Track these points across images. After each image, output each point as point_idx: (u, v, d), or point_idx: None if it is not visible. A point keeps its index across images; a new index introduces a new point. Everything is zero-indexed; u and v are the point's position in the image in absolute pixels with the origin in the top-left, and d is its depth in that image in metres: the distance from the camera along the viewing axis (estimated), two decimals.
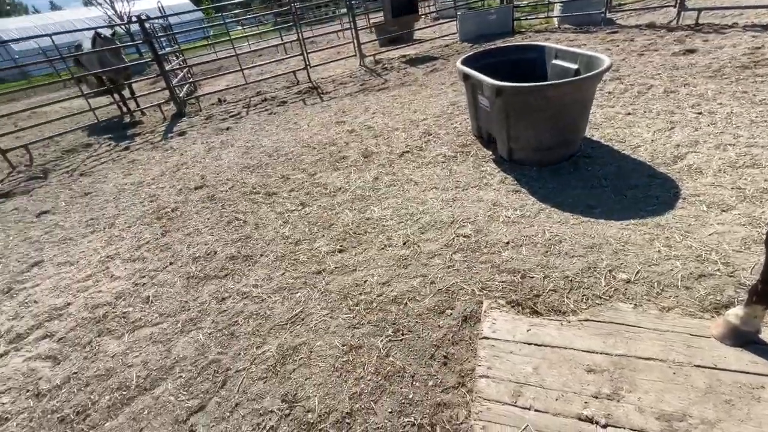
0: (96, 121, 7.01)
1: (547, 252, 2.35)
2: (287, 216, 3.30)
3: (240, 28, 20.70)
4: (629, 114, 3.92)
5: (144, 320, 2.43)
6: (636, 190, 2.79)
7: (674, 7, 7.53)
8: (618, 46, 6.51)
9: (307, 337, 2.08)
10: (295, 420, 1.69)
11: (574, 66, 3.39)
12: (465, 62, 3.81)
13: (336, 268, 2.57)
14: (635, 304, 1.87)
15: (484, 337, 1.71)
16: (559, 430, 1.34)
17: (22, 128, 6.59)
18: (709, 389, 1.39)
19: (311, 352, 1.99)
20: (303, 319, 2.21)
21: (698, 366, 1.46)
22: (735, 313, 1.53)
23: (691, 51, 5.53)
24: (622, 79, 4.85)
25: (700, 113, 3.66)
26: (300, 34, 8.37)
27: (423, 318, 2.06)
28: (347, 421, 1.65)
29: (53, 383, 2.10)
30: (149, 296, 2.63)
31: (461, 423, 1.55)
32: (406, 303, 2.18)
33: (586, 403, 1.41)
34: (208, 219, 3.49)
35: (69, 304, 2.71)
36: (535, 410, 1.41)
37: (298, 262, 2.69)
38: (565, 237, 2.44)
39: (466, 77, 3.60)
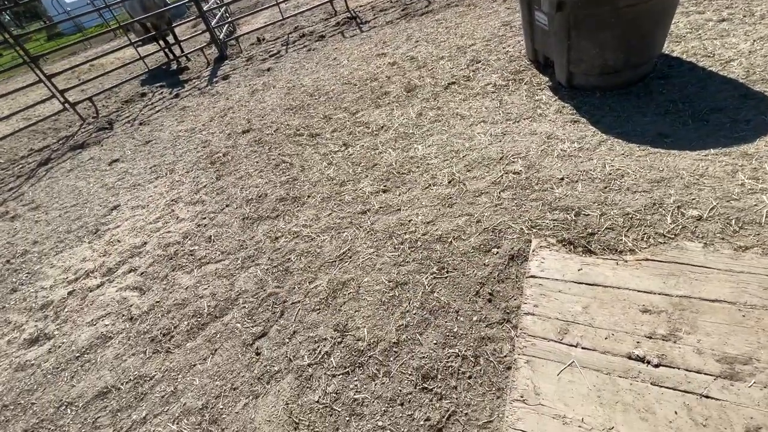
0: (147, 69, 7.23)
1: (606, 188, 2.17)
2: (331, 157, 3.31)
3: None
4: (723, 20, 3.28)
5: (209, 257, 2.67)
6: (721, 113, 2.41)
7: None
8: None
9: (354, 274, 2.18)
10: (346, 347, 1.83)
11: None
12: None
13: (380, 208, 2.59)
14: (705, 243, 1.71)
15: (532, 276, 1.68)
16: (606, 367, 1.33)
17: (84, 81, 7.00)
18: None
19: (359, 287, 2.10)
20: (350, 257, 2.30)
21: None
22: None
23: None
24: None
25: None
26: None
27: (468, 256, 2.06)
28: (394, 350, 1.76)
29: (142, 309, 2.43)
30: (211, 236, 2.86)
31: (505, 356, 1.59)
32: (451, 242, 2.17)
33: (638, 342, 1.36)
34: (257, 162, 3.60)
35: (145, 243, 3.03)
36: (582, 348, 1.40)
37: (343, 203, 2.74)
38: (629, 171, 2.23)
39: None
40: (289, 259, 2.43)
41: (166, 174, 3.94)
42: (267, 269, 2.41)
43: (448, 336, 1.74)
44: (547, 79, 3.33)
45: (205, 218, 3.07)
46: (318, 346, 1.88)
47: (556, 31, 2.85)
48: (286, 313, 2.10)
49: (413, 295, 1.96)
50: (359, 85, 4.41)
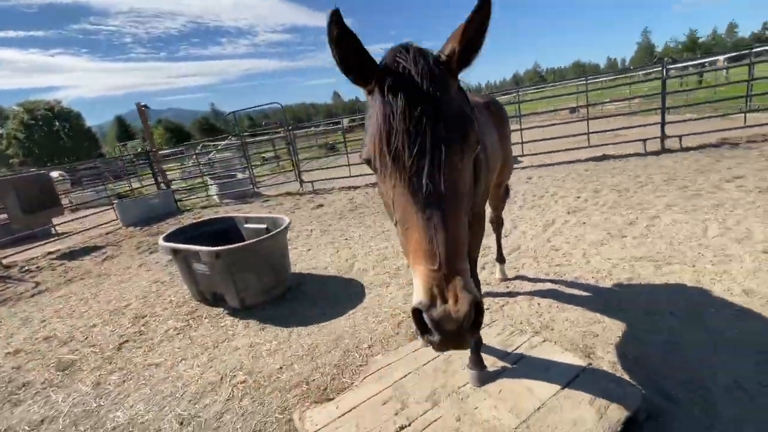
0: None
1: (311, 357, 2.93)
2: None
3: None
4: (310, 249, 5.41)
5: None
6: (339, 294, 3.95)
7: (296, 180, 10.92)
8: (275, 208, 8.62)
9: None
10: None
11: (264, 225, 4.47)
12: (167, 240, 4.09)
13: None
14: (381, 354, 2.75)
15: None
16: None
17: None
18: (440, 371, 2.34)
19: None
20: None
21: (430, 359, 2.42)
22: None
23: (321, 205, 8.27)
24: (292, 228, 6.54)
25: (346, 239, 5.64)
26: None
27: None
28: None
29: None
30: None
31: None
32: None
33: (396, 416, 2.00)
34: None
35: None
36: None
37: None
38: (319, 341, 3.13)
39: (175, 252, 3.88)
40: None
41: None
42: None
43: None
44: (222, 309, 3.97)
45: None
46: None
47: (221, 272, 3.69)
48: None
49: None
50: None
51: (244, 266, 3.69)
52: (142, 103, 10.07)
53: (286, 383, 2.68)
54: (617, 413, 1.83)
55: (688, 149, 8.20)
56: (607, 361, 2.41)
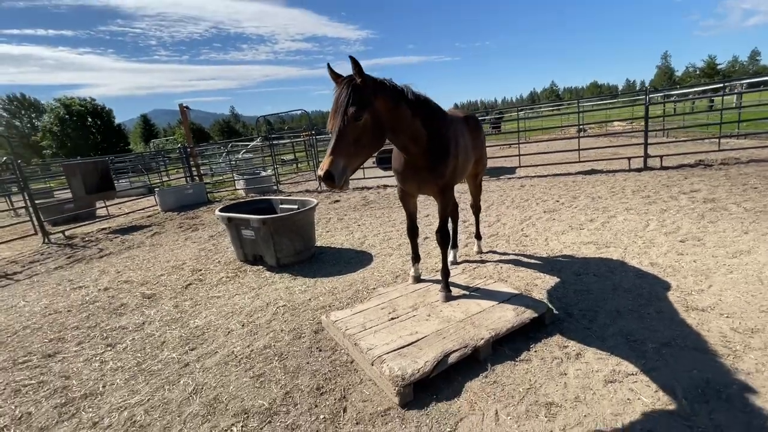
0: None
1: (332, 293, 4.04)
2: (100, 361, 3.25)
3: None
4: (328, 231, 6.56)
5: None
6: (353, 259, 5.07)
7: (316, 180, 12.12)
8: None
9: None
10: None
11: (295, 206, 5.64)
12: (222, 212, 5.29)
13: (204, 354, 3.10)
14: (384, 287, 3.85)
15: (335, 321, 3.10)
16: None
17: None
18: (421, 295, 3.42)
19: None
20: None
21: (415, 290, 3.50)
22: (412, 271, 3.78)
23: (337, 201, 9.44)
24: (318, 215, 7.70)
25: (359, 225, 6.78)
26: None
27: (292, 345, 3.14)
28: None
29: None
30: None
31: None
32: (273, 345, 3.17)
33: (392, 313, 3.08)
34: None
35: None
36: (371, 323, 2.94)
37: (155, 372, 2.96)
38: (337, 285, 4.25)
39: (229, 220, 5.06)
40: None
41: None
42: None
43: (320, 382, 2.72)
44: (262, 267, 5.12)
45: None
46: None
47: (264, 236, 4.85)
48: None
49: (277, 371, 2.76)
50: (75, 311, 4.31)
51: (282, 233, 4.85)
52: (185, 104, 11.43)
53: (314, 307, 3.79)
54: (528, 314, 2.90)
55: (666, 168, 9.17)
56: (537, 297, 3.47)
